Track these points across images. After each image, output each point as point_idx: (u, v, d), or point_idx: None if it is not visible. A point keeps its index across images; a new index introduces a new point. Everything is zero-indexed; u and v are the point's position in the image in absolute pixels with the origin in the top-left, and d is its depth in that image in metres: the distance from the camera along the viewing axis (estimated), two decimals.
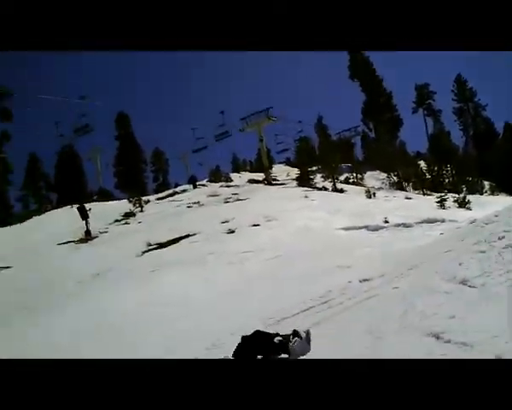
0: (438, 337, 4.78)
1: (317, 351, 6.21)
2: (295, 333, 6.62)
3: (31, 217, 51.04)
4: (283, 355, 6.25)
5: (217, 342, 8.66)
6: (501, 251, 6.87)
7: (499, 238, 7.54)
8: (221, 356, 6.59)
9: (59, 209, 53.59)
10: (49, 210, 58.42)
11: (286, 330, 7.94)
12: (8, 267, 28.19)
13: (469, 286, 6.15)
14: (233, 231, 23.76)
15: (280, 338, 6.55)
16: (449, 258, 8.30)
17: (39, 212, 58.15)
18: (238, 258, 17.98)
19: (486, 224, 9.39)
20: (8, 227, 45.97)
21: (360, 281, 9.86)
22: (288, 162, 77.84)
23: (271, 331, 8.05)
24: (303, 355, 6.19)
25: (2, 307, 19.21)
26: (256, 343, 6.44)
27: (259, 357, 6.25)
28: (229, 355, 6.43)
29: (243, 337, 6.61)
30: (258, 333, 6.71)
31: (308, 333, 6.66)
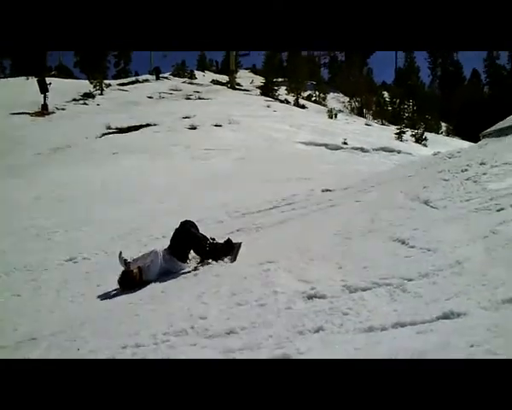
0: (403, 243, 5.17)
1: (287, 243, 6.60)
2: (229, 243, 6.63)
3: None
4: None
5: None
6: (463, 181, 7.33)
7: (462, 171, 8.00)
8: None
9: (13, 78, 52.47)
10: (2, 78, 57.20)
11: (249, 224, 8.40)
12: None
13: (432, 207, 6.58)
14: (195, 128, 23.91)
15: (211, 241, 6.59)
16: (412, 181, 8.75)
17: None
18: (201, 153, 18.28)
19: (449, 157, 9.88)
20: None
21: (323, 190, 10.21)
22: (253, 69, 77.35)
23: (231, 227, 8.49)
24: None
25: None
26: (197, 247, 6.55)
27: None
28: None
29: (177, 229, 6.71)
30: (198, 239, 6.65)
31: (239, 246, 6.64)
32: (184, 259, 6.53)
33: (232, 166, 15.97)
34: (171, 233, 8.57)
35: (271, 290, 4.52)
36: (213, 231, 7.89)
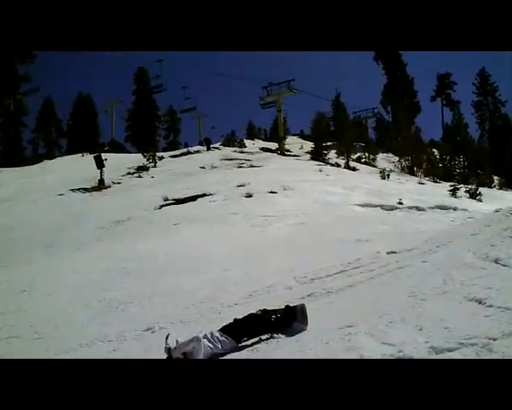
0: (480, 302, 5.27)
1: (362, 307, 6.75)
2: (288, 309, 6.62)
3: (41, 161, 51.42)
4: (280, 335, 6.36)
5: (253, 293, 9.25)
6: None
7: None
8: (258, 306, 7.10)
9: (69, 156, 53.99)
10: (59, 156, 58.89)
11: (319, 289, 8.56)
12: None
13: (502, 265, 6.66)
14: (251, 196, 24.27)
15: (275, 316, 6.52)
16: (478, 240, 8.81)
17: (49, 156, 58.56)
18: (260, 221, 18.54)
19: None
20: (20, 168, 46.39)
21: (388, 253, 10.32)
22: (301, 135, 78.21)
23: (301, 292, 8.62)
24: (301, 332, 6.30)
25: (23, 244, 19.87)
26: (251, 325, 6.50)
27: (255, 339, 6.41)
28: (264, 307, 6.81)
29: (236, 320, 6.60)
30: (251, 316, 6.63)
31: (303, 308, 6.59)
32: (240, 338, 6.48)
33: (292, 232, 16.18)
34: (242, 301, 8.89)
35: (358, 354, 4.66)
36: (284, 298, 8.10)
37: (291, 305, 6.77)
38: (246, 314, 6.81)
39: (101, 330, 8.69)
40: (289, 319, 6.52)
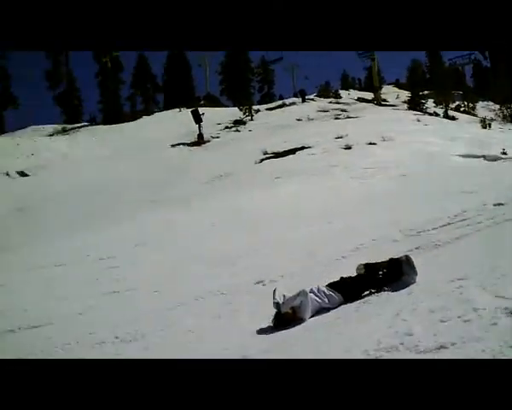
0: None
1: (471, 259, 6.81)
2: (393, 262, 6.74)
3: (140, 117, 52.49)
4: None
5: (360, 246, 9.40)
6: None
7: None
8: (364, 259, 7.20)
9: (167, 111, 54.82)
10: (157, 111, 59.90)
11: (426, 242, 8.61)
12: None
13: None
14: (349, 147, 24.19)
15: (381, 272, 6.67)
16: None
17: (147, 112, 59.65)
18: (360, 173, 18.53)
19: None
20: (120, 125, 47.55)
21: (494, 204, 10.21)
22: (396, 84, 76.63)
23: (408, 245, 8.66)
24: (410, 285, 6.40)
25: (130, 200, 20.63)
26: (358, 283, 6.67)
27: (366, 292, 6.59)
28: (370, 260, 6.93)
29: (342, 278, 6.79)
30: (358, 276, 6.77)
31: (409, 260, 6.68)
32: (347, 295, 6.65)
33: (394, 184, 16.09)
34: (349, 254, 9.04)
35: (471, 307, 4.76)
36: (389, 251, 8.19)
37: (395, 258, 6.92)
38: (353, 268, 6.99)
39: (214, 284, 9.05)
40: (397, 273, 6.64)
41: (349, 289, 6.68)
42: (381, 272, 6.69)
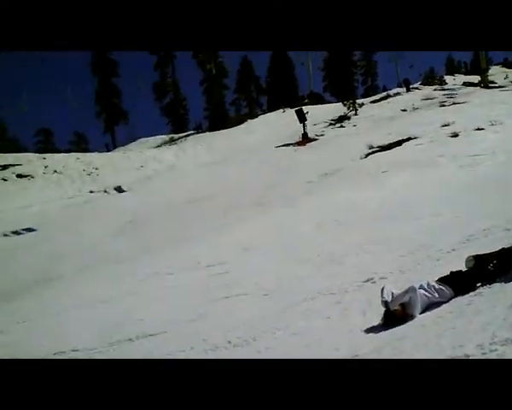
0: None
1: None
2: (505, 252, 6.55)
3: (245, 120, 53.09)
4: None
5: (470, 237, 9.16)
6: None
7: None
8: (475, 251, 7.01)
9: (271, 113, 55.19)
10: (261, 114, 60.41)
11: None
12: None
13: None
14: (457, 135, 23.55)
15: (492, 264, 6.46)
16: None
17: (251, 115, 60.27)
18: (469, 161, 18.01)
19: None
20: (226, 130, 48.26)
21: None
22: (505, 64, 73.97)
23: None
24: None
25: (236, 204, 20.93)
26: (469, 277, 6.53)
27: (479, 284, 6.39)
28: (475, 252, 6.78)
29: (452, 272, 6.69)
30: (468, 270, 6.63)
31: None
32: (459, 289, 6.53)
33: (503, 170, 15.49)
34: (460, 246, 8.83)
35: None
36: (502, 241, 7.96)
37: (506, 247, 6.72)
38: (464, 261, 6.83)
39: (323, 284, 9.07)
40: (509, 263, 6.43)
41: (460, 283, 6.55)
42: (491, 264, 6.51)
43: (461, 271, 6.68)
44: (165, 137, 50.53)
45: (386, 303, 6.56)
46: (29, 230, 25.53)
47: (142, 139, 52.27)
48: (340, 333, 6.75)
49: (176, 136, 51.57)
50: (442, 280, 6.67)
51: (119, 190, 32.64)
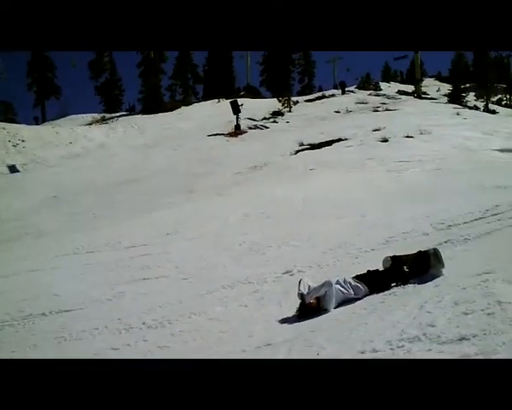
0: None
1: (500, 254, 6.76)
2: (421, 255, 6.75)
3: (179, 107, 52.74)
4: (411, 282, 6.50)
5: (390, 239, 9.37)
6: None
7: None
8: (393, 252, 7.21)
9: (206, 102, 55.05)
10: (196, 102, 60.15)
11: (457, 236, 8.55)
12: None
13: None
14: (386, 140, 24.02)
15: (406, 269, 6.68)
16: None
17: (186, 102, 59.89)
18: (396, 166, 18.41)
19: None
20: (159, 115, 47.84)
21: None
22: (438, 77, 75.91)
23: (438, 239, 8.62)
24: (437, 277, 6.38)
25: (165, 189, 20.82)
26: (384, 276, 6.72)
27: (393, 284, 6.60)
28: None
29: (369, 271, 6.86)
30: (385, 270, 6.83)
31: (437, 252, 6.68)
32: (373, 288, 6.69)
33: (429, 178, 15.97)
34: (379, 246, 9.03)
35: (495, 300, 4.77)
36: (420, 244, 8.19)
37: (423, 250, 6.92)
38: (382, 260, 7.01)
39: (242, 273, 9.11)
40: (424, 266, 6.64)
41: (375, 282, 6.70)
42: (407, 266, 6.70)
43: (377, 270, 6.85)
44: (97, 116, 49.62)
45: (301, 296, 6.66)
46: None
47: (72, 116, 51.19)
48: (255, 321, 6.80)
49: (108, 115, 50.77)
50: (358, 278, 6.81)
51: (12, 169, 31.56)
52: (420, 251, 6.88)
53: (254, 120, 39.67)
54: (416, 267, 6.66)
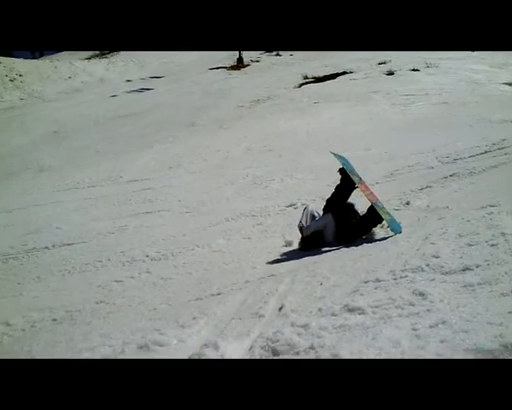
0: None
1: (505, 187, 6.72)
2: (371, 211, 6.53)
3: None
4: None
5: (394, 172, 9.31)
6: None
7: None
8: (397, 185, 7.14)
9: None
10: None
11: (462, 169, 8.45)
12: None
13: None
14: (392, 73, 23.69)
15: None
16: None
17: None
18: (402, 100, 18.19)
19: None
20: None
21: None
22: None
23: (443, 172, 8.53)
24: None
25: (167, 123, 20.67)
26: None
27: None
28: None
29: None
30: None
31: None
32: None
33: (435, 111, 15.78)
34: (384, 179, 8.98)
35: (499, 232, 4.74)
36: (426, 177, 8.16)
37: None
38: (385, 194, 6.95)
39: (246, 206, 9.11)
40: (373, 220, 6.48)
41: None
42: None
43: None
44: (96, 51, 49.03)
45: (301, 229, 6.64)
46: None
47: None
48: (259, 253, 6.79)
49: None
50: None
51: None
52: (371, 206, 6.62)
53: (258, 52, 39.18)
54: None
